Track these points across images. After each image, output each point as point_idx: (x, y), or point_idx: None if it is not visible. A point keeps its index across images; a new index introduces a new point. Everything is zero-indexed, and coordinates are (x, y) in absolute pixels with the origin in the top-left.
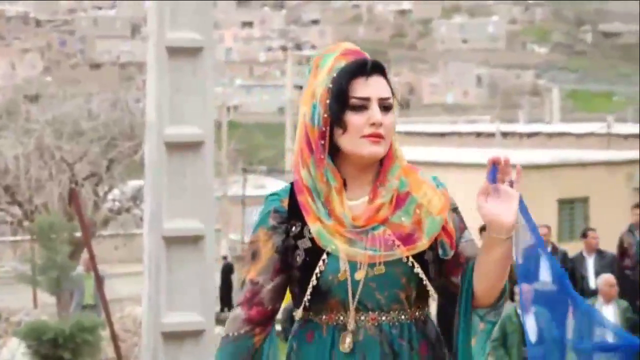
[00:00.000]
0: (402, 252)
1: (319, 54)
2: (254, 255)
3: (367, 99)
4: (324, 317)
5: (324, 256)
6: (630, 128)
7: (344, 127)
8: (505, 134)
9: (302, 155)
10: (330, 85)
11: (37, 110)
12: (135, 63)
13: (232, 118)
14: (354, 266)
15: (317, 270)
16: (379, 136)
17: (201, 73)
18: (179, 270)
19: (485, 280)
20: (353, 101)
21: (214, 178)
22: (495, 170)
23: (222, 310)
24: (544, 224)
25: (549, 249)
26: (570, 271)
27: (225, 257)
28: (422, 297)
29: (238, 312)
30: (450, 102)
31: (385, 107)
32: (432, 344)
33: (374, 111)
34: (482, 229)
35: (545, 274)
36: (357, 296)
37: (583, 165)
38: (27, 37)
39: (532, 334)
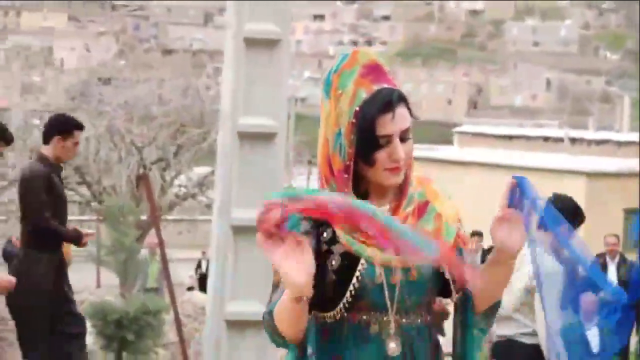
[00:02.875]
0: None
1: (336, 70)
2: None
3: (391, 135)
4: (345, 315)
5: (362, 260)
6: None
7: (370, 164)
8: (573, 140)
9: (324, 174)
10: (354, 121)
11: (109, 93)
12: (207, 51)
13: (299, 110)
14: (388, 271)
15: (357, 273)
16: (400, 168)
17: (277, 65)
18: (245, 260)
19: (485, 293)
20: (379, 140)
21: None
22: (515, 194)
23: None
24: (613, 233)
25: (617, 259)
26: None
27: None
28: (432, 304)
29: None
30: (518, 105)
31: (405, 137)
32: (436, 348)
33: (396, 147)
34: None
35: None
36: (395, 300)
37: None
38: (102, 20)
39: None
